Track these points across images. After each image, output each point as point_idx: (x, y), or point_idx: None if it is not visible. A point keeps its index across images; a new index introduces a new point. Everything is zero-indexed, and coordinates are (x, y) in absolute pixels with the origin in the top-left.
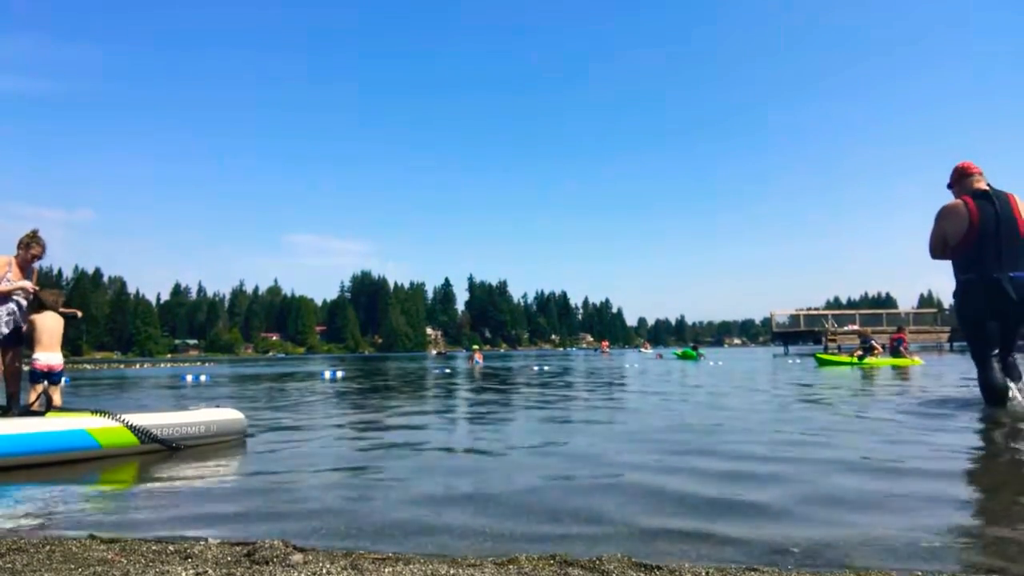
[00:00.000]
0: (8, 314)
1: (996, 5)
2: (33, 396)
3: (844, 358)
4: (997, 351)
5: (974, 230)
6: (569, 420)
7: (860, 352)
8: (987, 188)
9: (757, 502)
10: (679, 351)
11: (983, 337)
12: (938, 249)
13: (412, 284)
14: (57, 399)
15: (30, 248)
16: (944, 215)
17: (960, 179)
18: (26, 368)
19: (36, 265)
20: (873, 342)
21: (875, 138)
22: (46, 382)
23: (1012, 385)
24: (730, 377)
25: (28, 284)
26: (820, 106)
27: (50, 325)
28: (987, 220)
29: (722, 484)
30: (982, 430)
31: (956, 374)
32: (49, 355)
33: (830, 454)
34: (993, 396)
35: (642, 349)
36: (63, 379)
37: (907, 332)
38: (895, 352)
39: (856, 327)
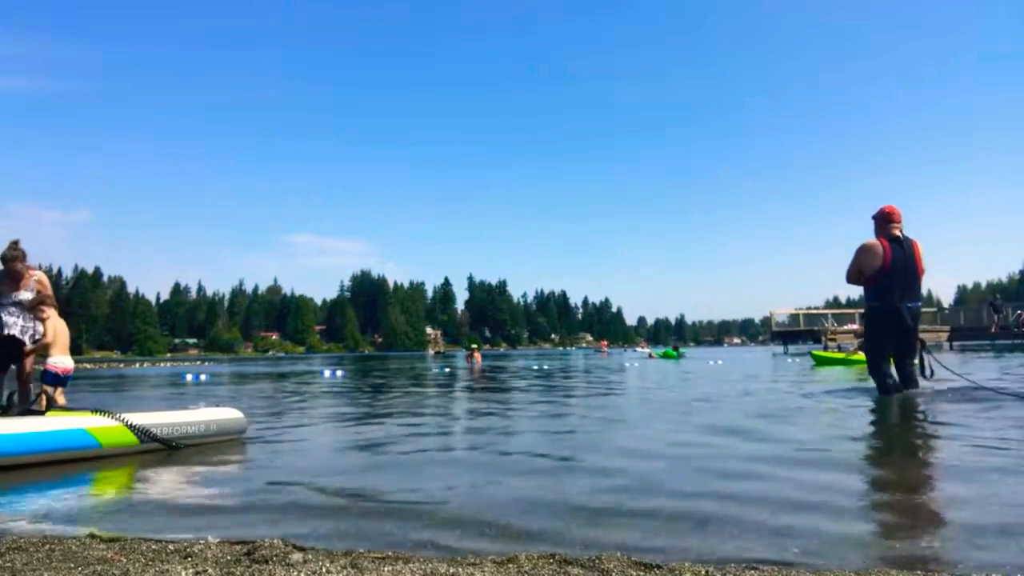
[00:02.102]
0: (13, 317)
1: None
2: (43, 398)
3: (840, 355)
4: (892, 359)
5: (886, 268)
6: (567, 417)
7: (854, 350)
8: (900, 235)
9: (750, 499)
10: (661, 351)
11: (880, 352)
12: (853, 277)
13: (412, 284)
14: (62, 399)
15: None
16: (864, 251)
17: (883, 222)
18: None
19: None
20: None
21: (876, 137)
22: (58, 385)
23: (914, 385)
24: (700, 374)
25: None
26: (821, 105)
27: (63, 329)
28: (897, 261)
29: (716, 483)
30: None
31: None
32: (66, 359)
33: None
34: (885, 390)
35: (638, 348)
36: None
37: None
38: None
39: (856, 326)
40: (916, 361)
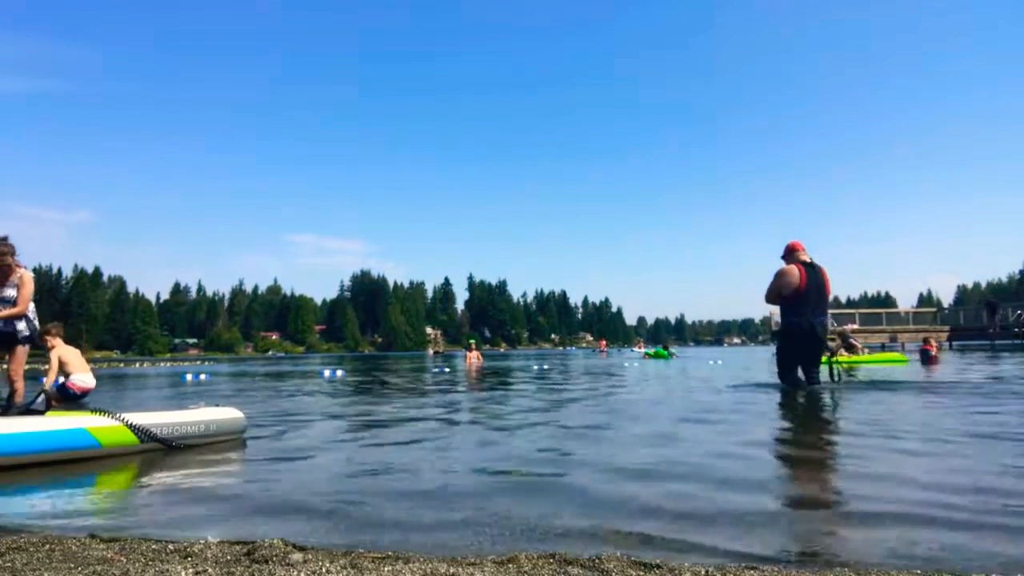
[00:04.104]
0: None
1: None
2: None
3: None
4: (799, 365)
5: (801, 288)
6: (566, 418)
7: (843, 349)
8: (810, 260)
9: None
10: (651, 350)
11: (793, 358)
12: (772, 296)
13: (412, 283)
14: None
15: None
16: (783, 275)
17: (791, 253)
18: (28, 374)
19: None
20: (852, 340)
21: (875, 138)
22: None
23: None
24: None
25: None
26: (819, 106)
27: (73, 352)
28: (810, 283)
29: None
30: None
31: (928, 370)
32: (86, 376)
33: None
34: (793, 385)
35: (635, 348)
36: None
37: (934, 341)
38: (927, 359)
39: (855, 326)
40: (821, 367)
